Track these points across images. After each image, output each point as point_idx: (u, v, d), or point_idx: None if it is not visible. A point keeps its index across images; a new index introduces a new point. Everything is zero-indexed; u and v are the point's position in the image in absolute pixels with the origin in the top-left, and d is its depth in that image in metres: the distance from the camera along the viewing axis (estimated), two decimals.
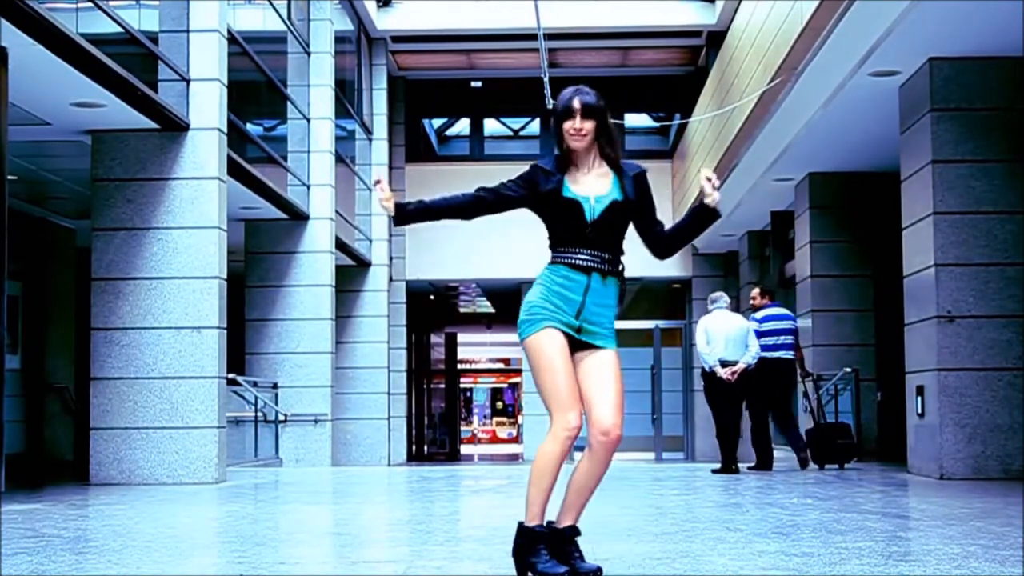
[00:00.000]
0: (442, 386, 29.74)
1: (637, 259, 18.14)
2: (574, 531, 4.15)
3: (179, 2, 9.71)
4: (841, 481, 9.44)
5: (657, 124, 21.38)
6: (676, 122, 19.95)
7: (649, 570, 4.39)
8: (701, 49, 19.30)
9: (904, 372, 9.88)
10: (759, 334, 11.10)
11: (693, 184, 17.50)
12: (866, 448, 12.47)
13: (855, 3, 8.76)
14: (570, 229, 4.10)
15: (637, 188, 4.16)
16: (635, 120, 21.81)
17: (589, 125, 4.11)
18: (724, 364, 10.75)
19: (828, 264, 13.42)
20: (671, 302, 21.90)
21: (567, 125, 4.12)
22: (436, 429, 28.41)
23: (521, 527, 4.08)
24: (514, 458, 27.99)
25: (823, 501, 7.67)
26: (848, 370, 12.60)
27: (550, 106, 14.65)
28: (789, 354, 11.30)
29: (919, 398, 9.44)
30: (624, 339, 21.06)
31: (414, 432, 23.55)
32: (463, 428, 36.66)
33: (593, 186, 4.13)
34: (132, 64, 8.75)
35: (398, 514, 7.28)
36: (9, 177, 8.78)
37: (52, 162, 11.50)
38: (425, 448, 25.96)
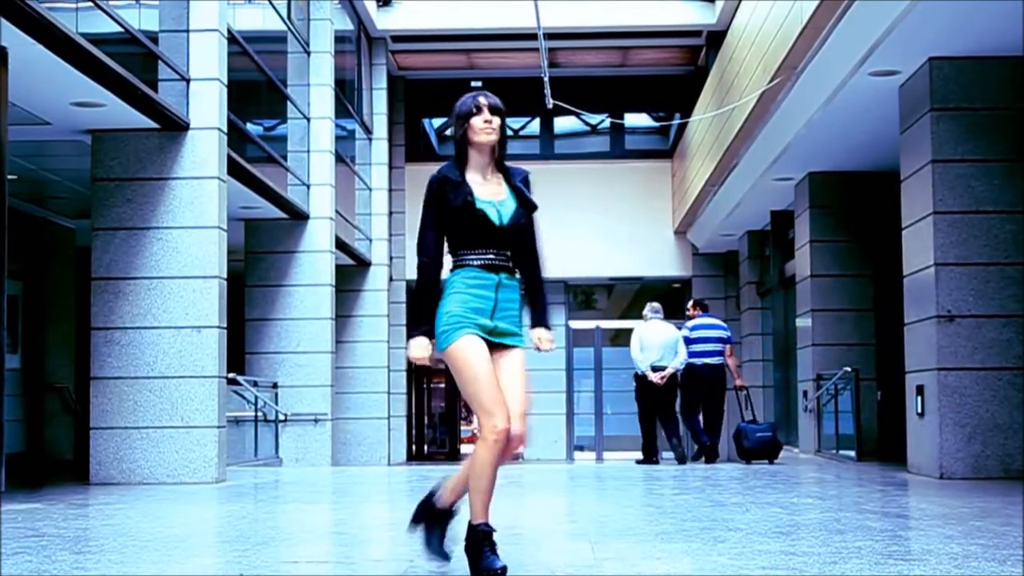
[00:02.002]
0: (442, 386, 29.72)
1: (637, 259, 18.44)
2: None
3: (179, 2, 9.71)
4: (841, 480, 9.44)
5: (657, 124, 21.37)
6: (676, 122, 19.95)
7: (649, 570, 4.39)
8: (701, 49, 19.30)
9: (904, 372, 9.88)
10: (688, 342, 12.44)
11: (693, 184, 17.51)
12: (866, 448, 12.48)
13: (855, 3, 8.77)
14: (479, 233, 4.22)
15: (527, 188, 4.32)
16: (635, 120, 21.81)
17: (498, 121, 4.27)
18: (655, 369, 12.18)
19: (828, 264, 13.41)
20: (671, 302, 21.87)
21: (476, 120, 4.26)
22: (436, 429, 28.40)
23: (469, 525, 4.18)
24: (514, 458, 27.95)
25: (823, 501, 7.67)
26: (848, 370, 12.60)
27: (550, 105, 14.66)
28: (716, 360, 12.56)
29: (919, 398, 9.44)
30: (625, 339, 20.88)
31: (414, 432, 23.56)
32: (463, 428, 36.65)
33: (493, 191, 4.28)
34: (132, 64, 8.75)
35: (398, 514, 7.27)
36: (9, 177, 8.78)
37: (52, 162, 11.50)
38: (425, 448, 25.97)
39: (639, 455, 12.88)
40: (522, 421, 4.17)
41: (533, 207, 4.31)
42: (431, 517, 4.36)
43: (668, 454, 12.90)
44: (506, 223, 4.23)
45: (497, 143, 4.29)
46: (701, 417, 12.79)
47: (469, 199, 4.21)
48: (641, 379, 12.34)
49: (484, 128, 4.25)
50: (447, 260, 4.29)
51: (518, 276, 4.31)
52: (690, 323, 12.78)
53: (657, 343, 12.23)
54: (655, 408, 12.42)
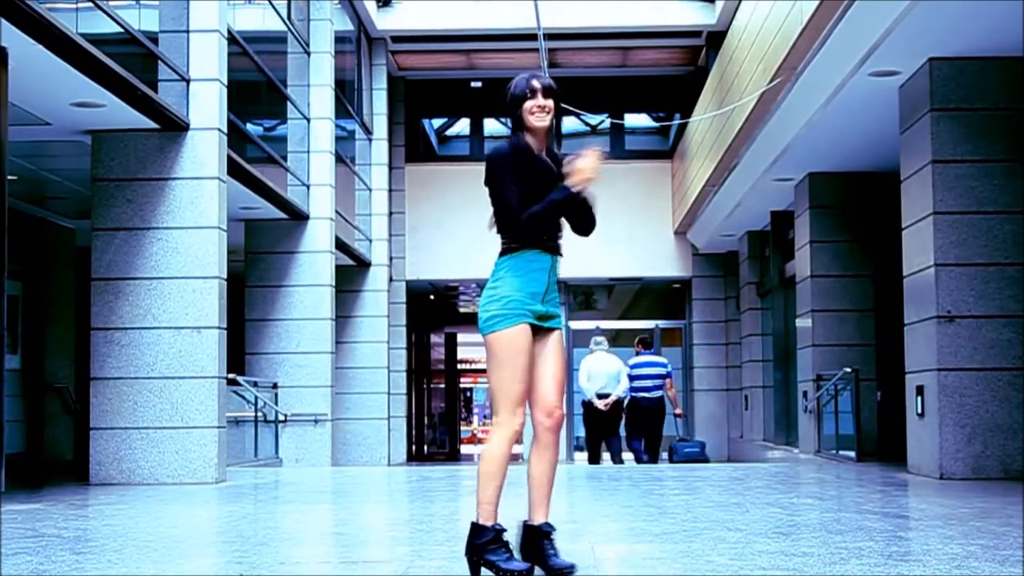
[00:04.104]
0: (442, 386, 29.74)
1: (637, 259, 18.58)
2: (548, 527, 4.18)
3: (179, 2, 9.71)
4: (841, 481, 9.44)
5: (657, 124, 21.37)
6: (676, 122, 19.95)
7: (649, 570, 4.39)
8: (701, 49, 19.31)
9: (904, 372, 9.88)
10: (630, 377, 13.99)
11: (693, 184, 17.52)
12: (866, 448, 12.48)
13: (855, 3, 8.77)
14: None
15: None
16: (635, 120, 21.81)
17: (551, 103, 4.18)
18: (600, 396, 13.66)
19: (828, 264, 13.41)
20: (671, 302, 21.92)
21: (530, 104, 4.17)
22: (436, 429, 28.41)
23: (476, 526, 4.08)
24: (514, 458, 27.94)
25: (823, 501, 7.67)
26: (848, 370, 12.60)
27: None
28: (654, 394, 14.03)
29: (919, 398, 9.44)
30: (625, 339, 20.88)
31: (414, 432, 23.56)
32: (463, 428, 36.66)
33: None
34: (132, 64, 8.75)
35: (398, 514, 7.28)
36: (9, 177, 8.78)
37: (52, 162, 11.50)
38: (425, 448, 25.97)
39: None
40: (560, 394, 4.19)
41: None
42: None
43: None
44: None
45: (551, 126, 4.20)
46: (643, 442, 14.30)
47: (547, 166, 4.16)
48: (588, 405, 13.75)
49: (538, 113, 4.17)
50: (497, 239, 4.24)
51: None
52: (632, 360, 14.18)
53: (602, 373, 13.74)
54: (601, 431, 13.84)
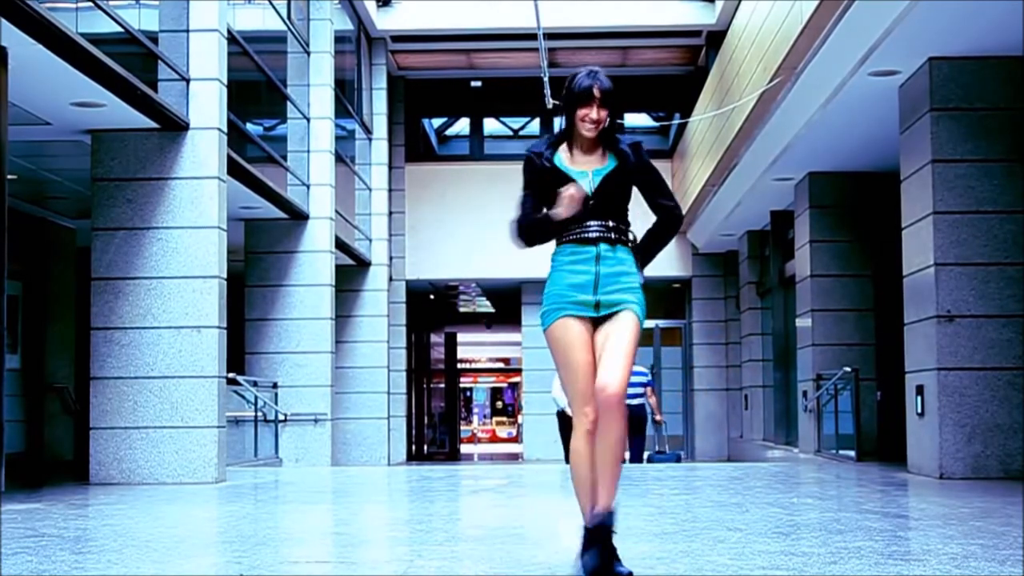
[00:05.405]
0: (442, 386, 29.75)
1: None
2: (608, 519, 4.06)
3: (179, 2, 9.71)
4: (841, 481, 9.44)
5: (657, 124, 21.37)
6: (676, 122, 19.95)
7: (649, 570, 4.38)
8: (701, 49, 19.31)
9: (904, 372, 9.88)
10: None
11: (693, 184, 17.52)
12: (866, 448, 12.49)
13: (855, 3, 8.77)
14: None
15: (635, 154, 4.19)
16: (635, 120, 21.81)
17: (604, 114, 4.13)
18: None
19: (828, 264, 13.41)
20: (671, 302, 21.92)
21: (583, 112, 4.11)
22: (436, 429, 28.41)
23: (583, 529, 4.09)
24: (514, 457, 27.98)
25: (823, 501, 7.67)
26: (848, 370, 12.60)
27: (550, 105, 14.66)
28: (636, 401, 13.99)
29: (919, 398, 9.44)
30: None
31: (414, 432, 23.56)
32: (463, 428, 36.67)
33: (588, 161, 4.17)
34: (132, 64, 8.75)
35: (398, 514, 7.28)
36: (9, 177, 8.78)
37: (52, 162, 11.50)
38: (425, 448, 25.97)
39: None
40: (620, 371, 4.00)
41: (626, 170, 4.15)
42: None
43: None
44: (596, 189, 4.11)
45: (607, 125, 4.13)
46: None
47: (550, 164, 4.13)
48: (562, 415, 13.51)
49: (588, 123, 4.10)
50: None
51: (624, 243, 4.19)
52: None
53: None
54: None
